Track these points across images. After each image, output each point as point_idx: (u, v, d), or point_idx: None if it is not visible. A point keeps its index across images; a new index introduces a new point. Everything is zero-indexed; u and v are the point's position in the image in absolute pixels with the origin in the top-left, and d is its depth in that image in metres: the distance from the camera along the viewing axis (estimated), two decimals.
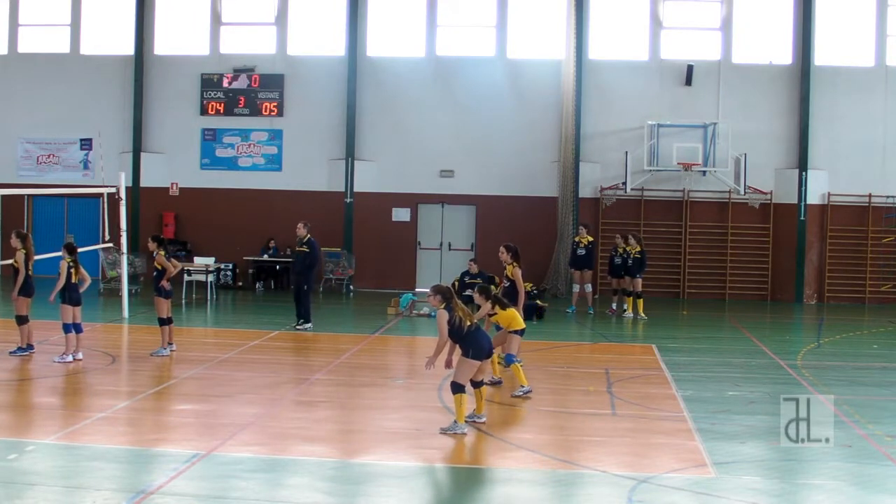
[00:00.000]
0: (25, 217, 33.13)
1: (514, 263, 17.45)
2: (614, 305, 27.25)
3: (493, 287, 17.63)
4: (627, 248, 26.85)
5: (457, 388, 12.84)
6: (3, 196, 30.92)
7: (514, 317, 15.71)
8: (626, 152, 30.73)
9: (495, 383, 16.09)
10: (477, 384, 13.56)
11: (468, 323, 12.98)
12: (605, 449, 12.51)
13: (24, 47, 33.95)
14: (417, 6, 32.46)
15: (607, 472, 11.26)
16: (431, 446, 12.17)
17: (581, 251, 27.54)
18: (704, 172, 30.71)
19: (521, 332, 15.80)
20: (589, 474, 11.31)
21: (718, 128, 30.70)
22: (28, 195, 32.14)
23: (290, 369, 18.07)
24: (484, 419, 13.55)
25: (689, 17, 32.28)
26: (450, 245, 32.59)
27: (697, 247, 31.86)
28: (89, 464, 11.46)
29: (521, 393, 15.43)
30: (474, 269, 25.46)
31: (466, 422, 13.07)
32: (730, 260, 31.73)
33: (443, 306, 12.92)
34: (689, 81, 31.65)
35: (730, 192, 30.97)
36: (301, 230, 22.57)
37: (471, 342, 12.96)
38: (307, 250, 22.48)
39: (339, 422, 14.05)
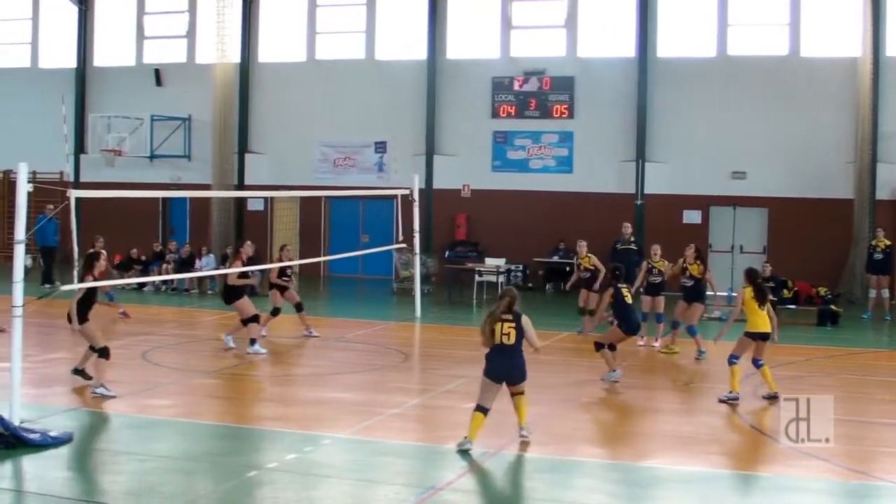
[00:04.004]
0: (322, 217, 34.56)
1: (697, 262, 19.86)
2: None
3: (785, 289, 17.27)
4: None
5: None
6: (301, 197, 32.70)
7: (758, 320, 15.52)
8: None
9: (772, 397, 15.32)
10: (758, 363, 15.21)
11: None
12: None
13: (321, 54, 35.38)
14: (709, 4, 31.73)
15: None
16: (716, 451, 11.89)
17: (878, 255, 26.34)
18: None
19: (754, 337, 15.51)
20: (885, 486, 10.78)
21: None
22: (325, 197, 33.50)
23: (578, 371, 17.98)
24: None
25: None
26: (741, 248, 31.77)
27: None
28: (381, 459, 11.81)
29: (725, 398, 15.11)
30: (767, 271, 24.80)
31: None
32: None
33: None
34: None
35: None
36: (628, 228, 24.22)
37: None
38: (635, 248, 23.88)
39: (619, 425, 13.95)
